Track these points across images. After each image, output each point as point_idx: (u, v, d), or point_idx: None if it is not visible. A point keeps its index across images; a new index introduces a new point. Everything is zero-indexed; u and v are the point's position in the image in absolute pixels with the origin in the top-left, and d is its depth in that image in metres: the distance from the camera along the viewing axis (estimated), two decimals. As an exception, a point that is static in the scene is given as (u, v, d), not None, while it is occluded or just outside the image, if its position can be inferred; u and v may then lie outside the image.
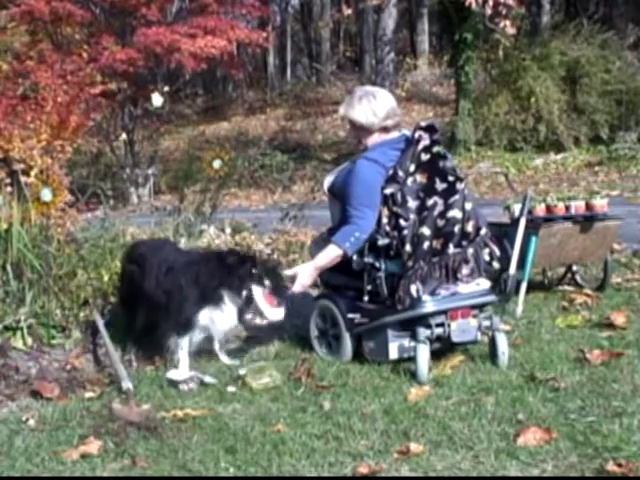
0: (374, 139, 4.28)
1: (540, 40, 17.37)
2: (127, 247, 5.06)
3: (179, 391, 3.93)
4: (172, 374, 4.05)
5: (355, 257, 4.17)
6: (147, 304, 4.42)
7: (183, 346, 4.22)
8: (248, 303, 4.25)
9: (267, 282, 4.32)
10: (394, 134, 4.30)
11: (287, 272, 4.53)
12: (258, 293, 4.25)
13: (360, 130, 4.31)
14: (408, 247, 4.00)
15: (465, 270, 4.10)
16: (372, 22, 22.79)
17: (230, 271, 4.22)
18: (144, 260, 4.50)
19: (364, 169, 4.18)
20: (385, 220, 4.06)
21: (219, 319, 4.22)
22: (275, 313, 4.29)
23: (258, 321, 4.31)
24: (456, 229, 4.11)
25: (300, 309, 4.99)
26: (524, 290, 5.16)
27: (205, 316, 4.21)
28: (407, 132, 4.30)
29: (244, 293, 4.22)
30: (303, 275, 4.29)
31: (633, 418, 3.21)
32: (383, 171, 4.11)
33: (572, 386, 3.66)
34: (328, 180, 4.48)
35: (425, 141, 4.11)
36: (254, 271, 4.27)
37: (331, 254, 4.21)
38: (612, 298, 5.41)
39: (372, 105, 4.25)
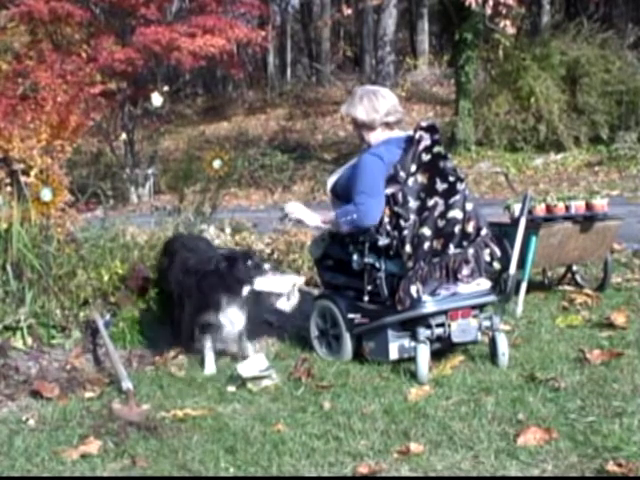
0: (377, 136, 4.30)
1: (540, 40, 17.36)
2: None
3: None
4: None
5: (355, 257, 4.17)
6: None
7: (205, 344, 4.36)
8: (258, 295, 4.33)
9: (266, 266, 4.38)
10: (399, 133, 4.30)
11: (291, 214, 4.53)
12: (262, 282, 4.27)
13: (362, 128, 4.34)
14: (408, 247, 4.00)
15: (465, 270, 4.10)
16: (372, 22, 22.76)
17: (225, 276, 4.27)
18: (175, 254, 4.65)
19: (368, 162, 4.20)
20: (386, 220, 4.06)
21: (226, 322, 4.29)
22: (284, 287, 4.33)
23: (281, 305, 4.34)
24: (456, 229, 4.12)
25: (300, 309, 5.00)
26: (524, 290, 5.17)
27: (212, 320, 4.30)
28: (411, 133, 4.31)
29: (246, 290, 4.25)
30: (306, 216, 4.42)
31: (633, 418, 3.21)
32: (386, 168, 4.11)
33: (572, 386, 3.66)
34: (331, 180, 4.49)
35: (426, 141, 4.12)
36: (248, 266, 4.29)
37: (330, 218, 4.31)
38: (612, 298, 5.41)
39: (373, 102, 4.27)
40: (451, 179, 4.15)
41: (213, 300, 4.27)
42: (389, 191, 4.06)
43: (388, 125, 4.29)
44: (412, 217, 4.03)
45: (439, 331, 4.03)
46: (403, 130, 4.38)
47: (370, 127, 4.30)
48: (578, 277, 5.86)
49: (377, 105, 4.26)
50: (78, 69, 11.00)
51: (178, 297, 4.51)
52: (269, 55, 27.11)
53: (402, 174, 4.07)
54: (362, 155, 4.29)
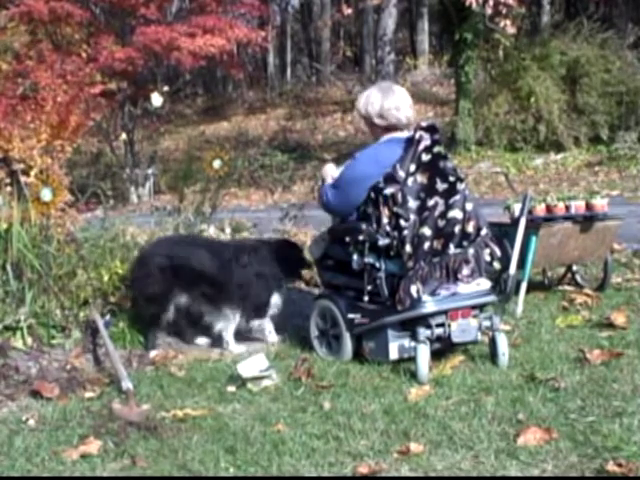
0: (377, 133, 4.33)
1: (540, 40, 17.36)
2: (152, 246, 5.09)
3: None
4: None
5: (355, 257, 4.17)
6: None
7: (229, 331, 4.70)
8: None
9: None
10: (401, 134, 4.29)
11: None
12: None
13: (365, 122, 4.40)
14: (408, 247, 4.00)
15: (465, 270, 4.10)
16: (372, 22, 22.78)
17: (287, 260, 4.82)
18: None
19: (361, 158, 4.28)
20: (385, 220, 4.06)
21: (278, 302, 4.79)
22: None
23: None
24: (457, 229, 4.11)
25: (300, 309, 5.00)
26: (524, 290, 5.17)
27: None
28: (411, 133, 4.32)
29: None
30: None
31: (633, 418, 3.21)
32: (381, 168, 4.10)
33: (572, 386, 3.66)
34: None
35: (426, 141, 4.11)
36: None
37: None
38: (612, 298, 5.41)
39: (372, 98, 4.31)
40: (451, 179, 4.15)
41: (288, 273, 4.83)
42: (389, 191, 4.05)
43: (377, 126, 4.30)
44: (412, 217, 4.03)
45: (439, 331, 4.03)
46: (409, 130, 4.38)
47: (365, 120, 4.36)
48: (578, 277, 5.85)
49: (371, 102, 4.28)
50: (78, 69, 11.02)
51: (211, 294, 4.64)
52: (269, 55, 27.13)
53: (401, 174, 4.07)
54: (362, 150, 4.38)
